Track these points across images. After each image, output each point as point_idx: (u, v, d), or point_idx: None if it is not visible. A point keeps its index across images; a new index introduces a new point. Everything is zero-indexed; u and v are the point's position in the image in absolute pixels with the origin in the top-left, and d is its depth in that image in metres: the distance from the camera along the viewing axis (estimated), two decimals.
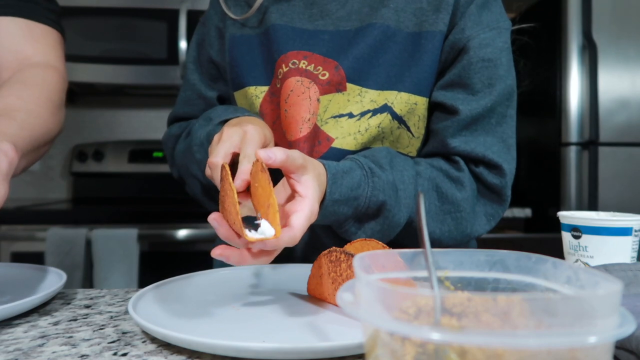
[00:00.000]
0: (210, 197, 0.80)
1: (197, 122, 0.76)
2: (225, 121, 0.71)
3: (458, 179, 0.70)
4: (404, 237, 0.69)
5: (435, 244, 0.69)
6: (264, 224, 0.49)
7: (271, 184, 0.49)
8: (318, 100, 0.72)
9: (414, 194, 0.66)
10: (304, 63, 0.74)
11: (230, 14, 0.79)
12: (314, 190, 0.53)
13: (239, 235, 0.50)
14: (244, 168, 0.54)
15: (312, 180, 0.54)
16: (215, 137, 0.63)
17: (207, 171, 0.61)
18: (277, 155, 0.50)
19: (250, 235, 0.47)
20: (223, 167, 0.51)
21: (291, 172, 0.53)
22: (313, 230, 0.76)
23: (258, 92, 0.77)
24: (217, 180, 0.57)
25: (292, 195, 0.54)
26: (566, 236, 0.67)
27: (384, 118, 0.71)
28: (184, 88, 0.86)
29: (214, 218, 0.51)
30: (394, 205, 0.65)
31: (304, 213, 0.51)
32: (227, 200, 0.50)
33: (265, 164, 0.50)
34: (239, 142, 0.59)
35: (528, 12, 2.12)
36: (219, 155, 0.58)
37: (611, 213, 0.69)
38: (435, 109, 0.74)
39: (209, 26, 0.84)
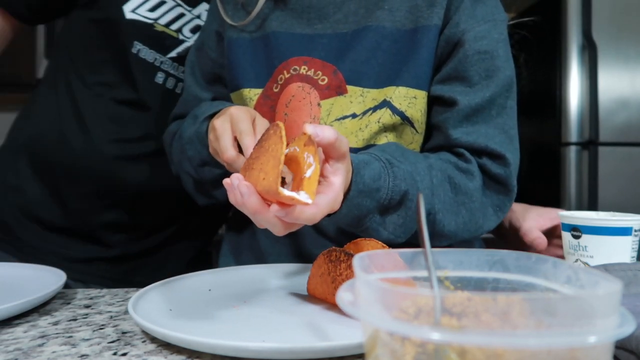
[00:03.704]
0: (202, 192, 0.82)
1: (186, 121, 0.79)
2: (210, 117, 0.73)
3: (468, 169, 0.69)
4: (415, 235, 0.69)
5: (451, 237, 0.69)
6: (300, 194, 0.47)
7: (317, 155, 0.47)
8: (319, 104, 0.73)
9: (430, 185, 0.65)
10: (304, 69, 0.75)
11: (229, 21, 0.80)
12: (342, 180, 0.52)
13: (268, 204, 0.48)
14: (248, 143, 0.58)
15: (343, 171, 0.53)
16: (210, 135, 0.67)
17: (231, 168, 0.64)
18: (325, 133, 0.48)
19: (284, 191, 0.45)
20: (277, 125, 0.48)
21: (331, 157, 0.51)
22: (315, 230, 0.76)
23: (252, 95, 0.78)
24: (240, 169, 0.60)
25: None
26: (566, 236, 0.67)
27: (384, 113, 0.71)
28: (184, 90, 0.88)
29: (246, 185, 0.47)
30: (415, 195, 0.64)
31: (329, 196, 0.50)
32: (267, 155, 0.47)
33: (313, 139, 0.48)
34: (232, 127, 0.62)
35: (527, 11, 2.12)
36: (227, 149, 0.62)
37: (611, 213, 0.69)
38: (434, 103, 0.74)
39: (208, 31, 0.86)
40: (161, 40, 0.91)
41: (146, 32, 0.92)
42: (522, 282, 0.35)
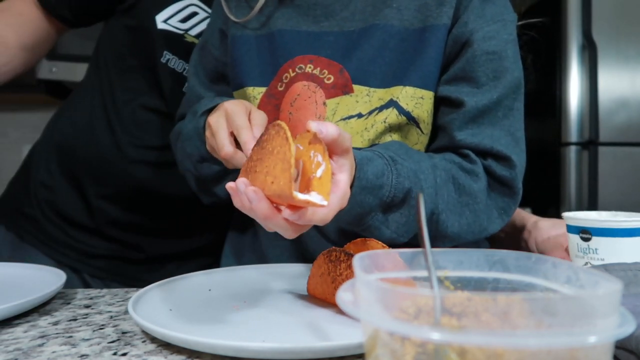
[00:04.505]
0: (204, 190, 0.82)
1: (186, 118, 0.79)
2: (208, 111, 0.72)
3: (472, 170, 0.69)
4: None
5: (454, 239, 0.68)
6: (312, 195, 0.46)
7: (326, 153, 0.46)
8: (324, 104, 0.73)
9: (434, 184, 0.65)
10: (310, 67, 0.74)
11: (232, 17, 0.79)
12: (348, 177, 0.52)
13: (279, 209, 0.47)
14: (245, 138, 0.57)
15: (348, 166, 0.52)
16: (207, 132, 0.67)
17: (229, 165, 0.63)
18: (329, 130, 0.48)
19: (299, 195, 0.44)
20: (279, 125, 0.47)
21: (334, 153, 0.51)
22: (317, 232, 0.76)
23: (255, 93, 0.77)
24: (241, 163, 0.60)
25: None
26: (574, 238, 0.65)
27: (390, 113, 0.71)
28: (187, 90, 0.88)
29: (253, 190, 0.46)
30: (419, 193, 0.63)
31: (337, 194, 0.49)
32: (272, 158, 0.46)
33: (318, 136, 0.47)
34: (227, 122, 0.62)
35: (528, 12, 2.12)
36: (224, 145, 0.61)
37: (613, 213, 0.68)
38: (440, 103, 0.73)
39: (212, 29, 0.85)
40: (191, 50, 0.93)
41: (176, 42, 0.93)
42: (522, 282, 0.35)
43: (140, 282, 0.92)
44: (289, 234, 0.49)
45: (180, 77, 0.94)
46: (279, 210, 0.47)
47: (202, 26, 0.95)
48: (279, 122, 0.48)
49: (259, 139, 0.51)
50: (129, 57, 0.96)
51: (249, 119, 0.62)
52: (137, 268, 0.98)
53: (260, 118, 0.63)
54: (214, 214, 0.98)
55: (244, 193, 0.47)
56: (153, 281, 0.63)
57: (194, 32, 0.94)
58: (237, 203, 0.49)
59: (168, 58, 0.93)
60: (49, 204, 0.96)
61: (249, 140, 0.58)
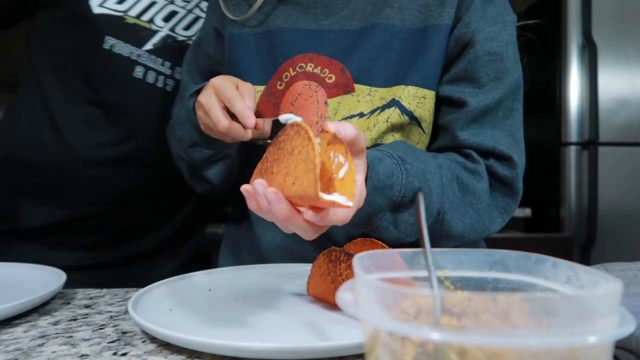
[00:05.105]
0: (197, 178, 0.82)
1: (176, 105, 0.79)
2: (196, 93, 0.72)
3: (476, 170, 0.69)
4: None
5: (458, 238, 0.68)
6: (335, 195, 0.45)
7: (349, 154, 0.46)
8: (326, 103, 0.73)
9: (440, 184, 0.65)
10: (310, 66, 0.74)
11: (229, 15, 0.79)
12: (363, 177, 0.52)
13: (299, 211, 0.46)
14: (240, 107, 0.57)
15: (363, 166, 0.53)
16: (199, 112, 0.66)
17: (228, 139, 0.63)
18: (347, 130, 0.48)
19: (325, 196, 0.43)
20: (299, 125, 0.46)
21: (351, 153, 0.50)
22: (322, 235, 0.76)
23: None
24: (240, 134, 0.60)
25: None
26: None
27: (392, 112, 0.71)
28: (181, 89, 0.87)
29: (273, 191, 0.45)
30: (428, 193, 0.63)
31: (355, 195, 0.48)
32: (292, 158, 0.45)
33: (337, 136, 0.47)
34: (218, 98, 0.62)
35: (528, 12, 2.12)
36: (220, 120, 0.60)
37: None
38: (442, 103, 0.73)
39: (207, 28, 0.85)
40: (134, 32, 0.87)
41: (117, 25, 0.86)
42: (522, 282, 0.35)
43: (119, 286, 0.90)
44: (309, 234, 0.49)
45: (128, 61, 0.87)
46: (298, 211, 0.47)
47: (141, 5, 0.89)
48: (298, 122, 0.47)
49: (275, 140, 0.50)
50: (66, 50, 0.88)
51: (239, 92, 0.62)
52: (109, 273, 0.93)
53: (249, 89, 0.63)
54: (178, 206, 0.94)
55: (263, 195, 0.46)
56: (126, 286, 0.62)
57: (133, 12, 0.88)
58: (252, 205, 0.48)
59: (112, 43, 0.87)
60: (4, 224, 0.90)
61: (244, 109, 0.57)
